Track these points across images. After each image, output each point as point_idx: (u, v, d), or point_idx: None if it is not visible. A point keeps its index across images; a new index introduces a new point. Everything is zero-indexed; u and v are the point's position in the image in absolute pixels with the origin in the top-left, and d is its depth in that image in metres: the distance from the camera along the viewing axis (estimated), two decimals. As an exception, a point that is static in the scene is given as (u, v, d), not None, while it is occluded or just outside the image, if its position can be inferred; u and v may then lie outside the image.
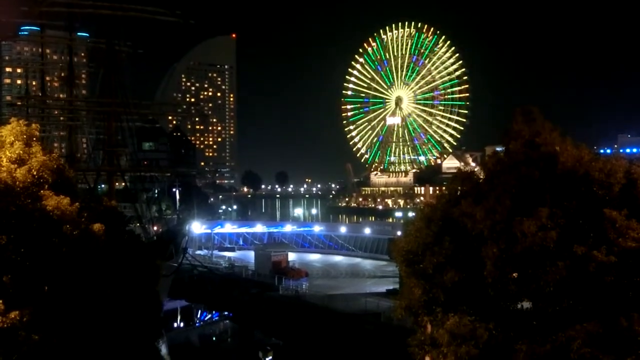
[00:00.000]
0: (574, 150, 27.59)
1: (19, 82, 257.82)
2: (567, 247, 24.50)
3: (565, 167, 26.80)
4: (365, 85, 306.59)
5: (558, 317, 24.83)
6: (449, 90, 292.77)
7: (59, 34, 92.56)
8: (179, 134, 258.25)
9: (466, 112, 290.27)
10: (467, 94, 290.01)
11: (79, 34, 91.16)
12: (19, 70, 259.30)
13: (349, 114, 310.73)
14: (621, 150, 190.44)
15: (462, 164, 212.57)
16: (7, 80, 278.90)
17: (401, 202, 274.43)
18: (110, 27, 72.71)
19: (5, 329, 20.98)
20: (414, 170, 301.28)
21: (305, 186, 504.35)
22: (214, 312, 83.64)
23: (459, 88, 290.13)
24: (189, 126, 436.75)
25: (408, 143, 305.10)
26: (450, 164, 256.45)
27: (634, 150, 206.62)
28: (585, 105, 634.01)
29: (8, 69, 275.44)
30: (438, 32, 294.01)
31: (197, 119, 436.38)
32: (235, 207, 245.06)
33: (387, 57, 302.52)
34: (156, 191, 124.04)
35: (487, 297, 26.72)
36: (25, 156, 25.28)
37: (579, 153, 27.29)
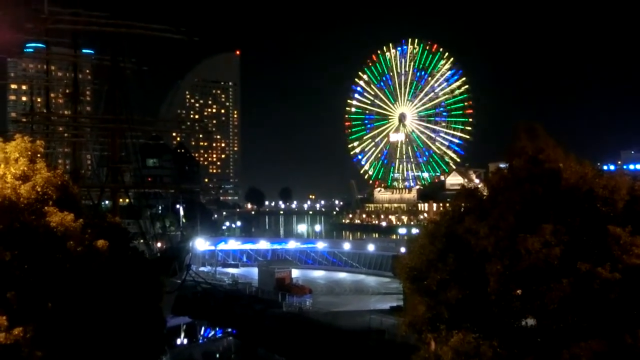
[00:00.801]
0: (578, 166, 27.61)
1: (24, 98, 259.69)
2: (571, 264, 24.45)
3: (568, 184, 26.80)
4: (369, 102, 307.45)
5: (562, 335, 24.72)
6: (452, 107, 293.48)
7: (64, 51, 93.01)
8: (183, 150, 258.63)
9: (469, 128, 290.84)
10: (471, 111, 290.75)
11: (83, 51, 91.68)
12: (24, 87, 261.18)
13: (353, 130, 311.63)
14: (624, 167, 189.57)
15: (466, 180, 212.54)
16: (12, 97, 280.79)
17: (405, 218, 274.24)
18: (115, 44, 73.18)
19: (8, 345, 20.98)
20: (417, 187, 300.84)
21: (308, 203, 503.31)
22: (217, 328, 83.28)
23: (462, 105, 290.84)
24: (193, 143, 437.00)
25: (411, 160, 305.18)
26: (454, 180, 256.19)
27: (638, 166, 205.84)
28: (588, 122, 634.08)
29: (13, 86, 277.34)
30: (441, 49, 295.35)
31: (201, 136, 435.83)
32: (239, 223, 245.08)
33: (391, 74, 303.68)
34: (160, 208, 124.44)
35: (491, 314, 26.63)
36: (30, 172, 25.36)
37: (582, 169, 27.31)
